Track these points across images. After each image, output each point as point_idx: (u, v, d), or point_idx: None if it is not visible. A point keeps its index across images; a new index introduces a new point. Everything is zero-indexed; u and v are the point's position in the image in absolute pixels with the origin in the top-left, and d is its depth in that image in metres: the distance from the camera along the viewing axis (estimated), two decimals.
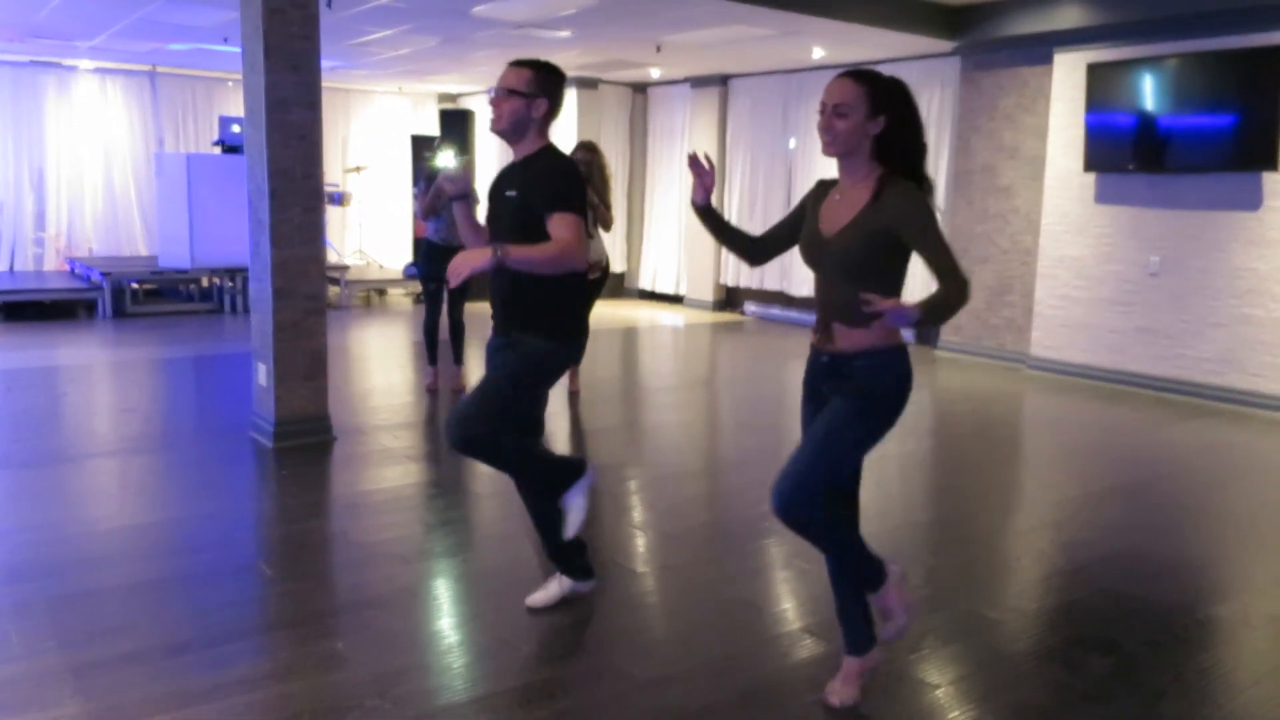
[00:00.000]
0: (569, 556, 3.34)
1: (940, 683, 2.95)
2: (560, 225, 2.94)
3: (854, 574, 2.72)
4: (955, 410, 7.07)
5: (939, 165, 9.19)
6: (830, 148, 2.54)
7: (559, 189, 3.01)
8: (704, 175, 2.81)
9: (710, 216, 2.88)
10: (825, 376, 2.64)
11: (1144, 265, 7.49)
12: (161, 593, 3.43)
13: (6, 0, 8.14)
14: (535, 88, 3.05)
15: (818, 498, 2.56)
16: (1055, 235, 7.99)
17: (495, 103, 3.07)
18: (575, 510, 3.18)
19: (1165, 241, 7.36)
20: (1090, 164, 7.60)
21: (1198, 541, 4.38)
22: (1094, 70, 7.48)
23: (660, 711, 2.74)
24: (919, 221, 2.47)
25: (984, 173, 8.63)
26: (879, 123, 2.49)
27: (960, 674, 3.02)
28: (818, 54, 9.45)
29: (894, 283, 2.57)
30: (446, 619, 3.36)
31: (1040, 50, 8.00)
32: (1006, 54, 8.32)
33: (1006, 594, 3.74)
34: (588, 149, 6.48)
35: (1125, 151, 7.41)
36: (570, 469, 3.23)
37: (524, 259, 2.90)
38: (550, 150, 3.12)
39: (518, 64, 3.09)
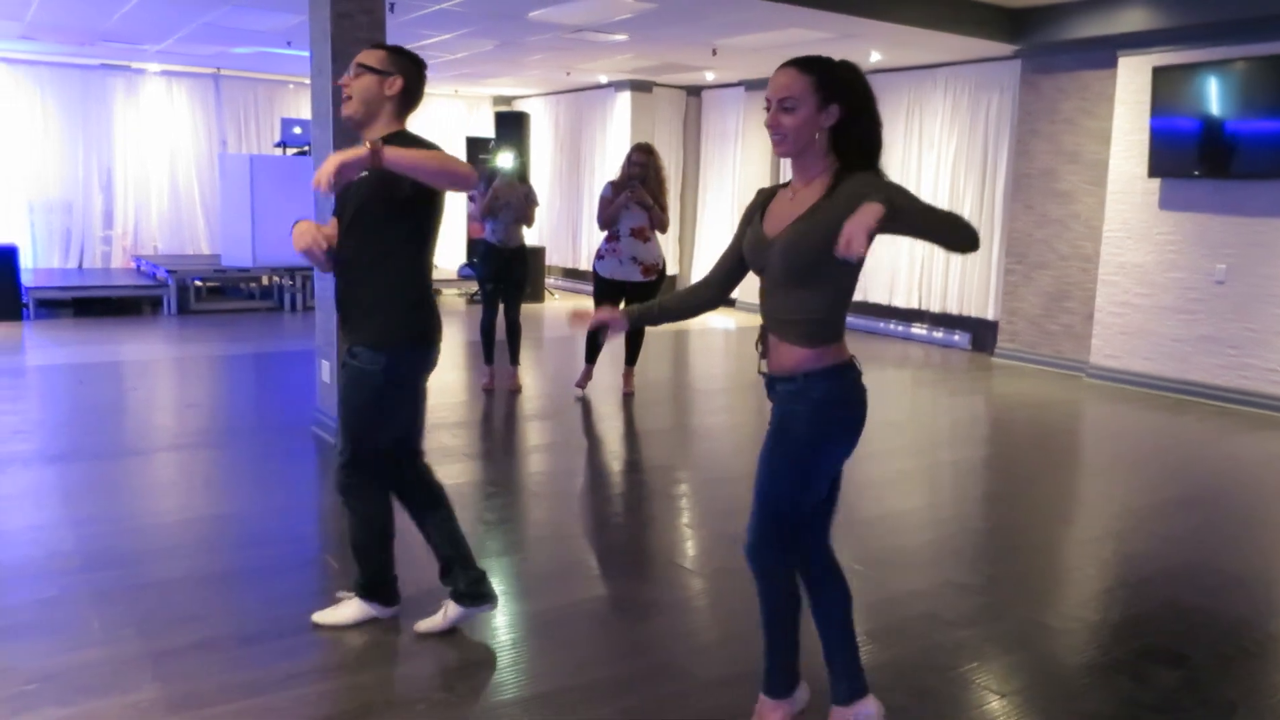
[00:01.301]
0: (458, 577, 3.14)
1: (1004, 691, 2.93)
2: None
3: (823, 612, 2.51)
4: (1012, 418, 6.99)
5: (997, 169, 9.09)
6: (780, 146, 2.27)
7: (410, 138, 2.79)
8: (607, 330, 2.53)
9: (653, 319, 2.67)
10: (770, 394, 2.41)
11: (1209, 273, 7.34)
12: (232, 584, 3.51)
13: (81, 6, 8.38)
14: (389, 65, 2.84)
15: (781, 543, 2.39)
16: (1117, 241, 7.87)
17: (345, 82, 2.85)
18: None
19: (1231, 249, 7.21)
20: (1155, 169, 7.47)
21: (1265, 555, 4.30)
22: (1159, 74, 7.35)
23: (723, 712, 2.76)
24: (889, 191, 2.17)
25: (1043, 177, 8.52)
26: (832, 114, 2.23)
27: (1023, 683, 3.00)
28: (874, 57, 9.40)
29: (842, 290, 2.31)
30: (509, 615, 3.40)
31: (1103, 53, 7.89)
32: (1068, 57, 8.21)
33: (1069, 604, 3.70)
34: (644, 151, 6.52)
35: (1191, 157, 7.28)
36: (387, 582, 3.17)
37: (401, 160, 2.61)
38: (408, 132, 2.86)
39: (374, 46, 2.92)
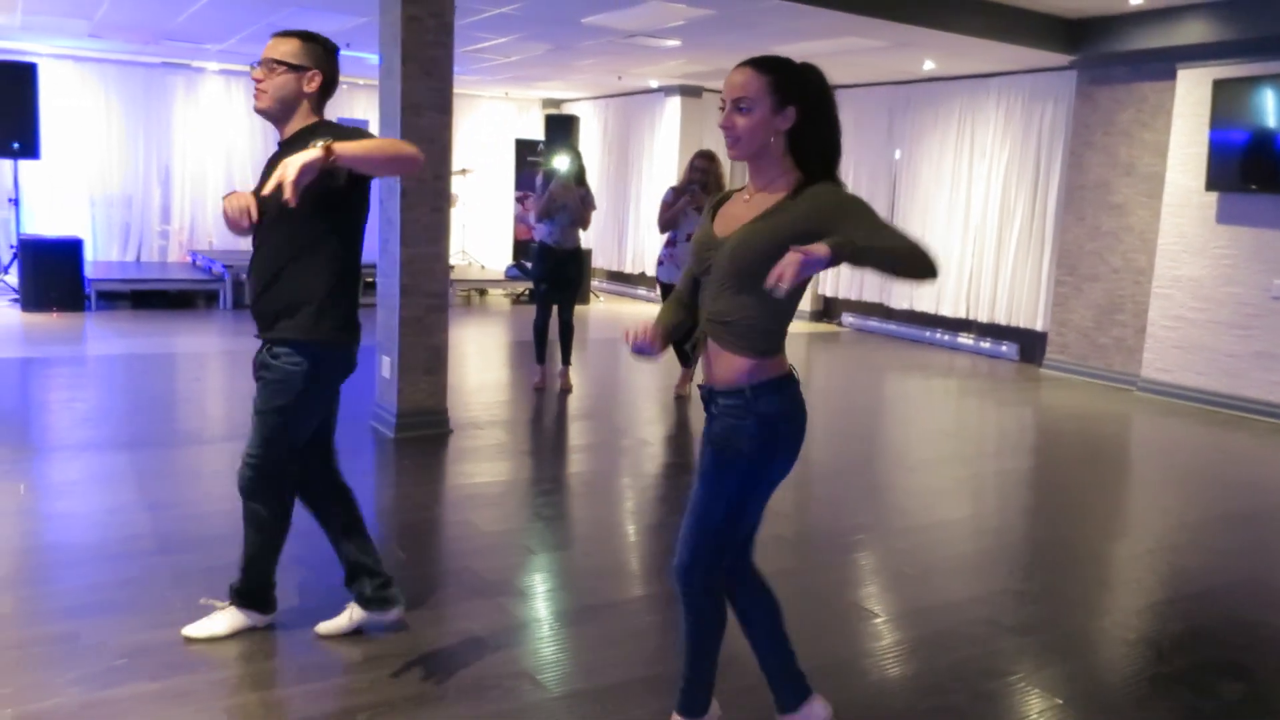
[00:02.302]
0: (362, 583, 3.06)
1: (1066, 696, 2.96)
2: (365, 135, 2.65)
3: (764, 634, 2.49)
4: (1062, 430, 6.97)
5: (1049, 180, 9.06)
6: (733, 149, 2.18)
7: (343, 130, 2.71)
8: (640, 346, 2.31)
9: (669, 342, 2.41)
10: (707, 408, 2.29)
11: (1266, 288, 7.27)
12: (303, 569, 3.61)
13: (150, 5, 8.59)
14: (306, 59, 2.72)
15: (715, 562, 2.31)
16: (1172, 255, 7.81)
17: (258, 78, 2.71)
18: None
19: None
20: (1212, 183, 7.41)
21: None
22: (1220, 86, 7.30)
23: (759, 715, 2.80)
24: (853, 206, 2.10)
25: (1097, 189, 8.47)
26: (788, 116, 2.14)
27: (1083, 689, 3.02)
28: (928, 66, 9.39)
29: (790, 300, 2.16)
30: (573, 609, 3.47)
31: (1162, 65, 7.84)
32: (1126, 68, 8.16)
33: (1126, 615, 3.70)
34: (706, 157, 6.61)
35: (1249, 171, 7.21)
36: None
37: (355, 155, 2.53)
38: (328, 122, 2.79)
39: (284, 34, 2.75)
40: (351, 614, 3.07)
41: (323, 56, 2.77)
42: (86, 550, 3.69)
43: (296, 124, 2.76)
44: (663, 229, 6.69)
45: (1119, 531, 4.77)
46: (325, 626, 3.07)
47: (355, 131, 2.74)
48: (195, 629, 2.99)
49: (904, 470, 5.72)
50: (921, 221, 10.29)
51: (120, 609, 3.17)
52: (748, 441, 2.20)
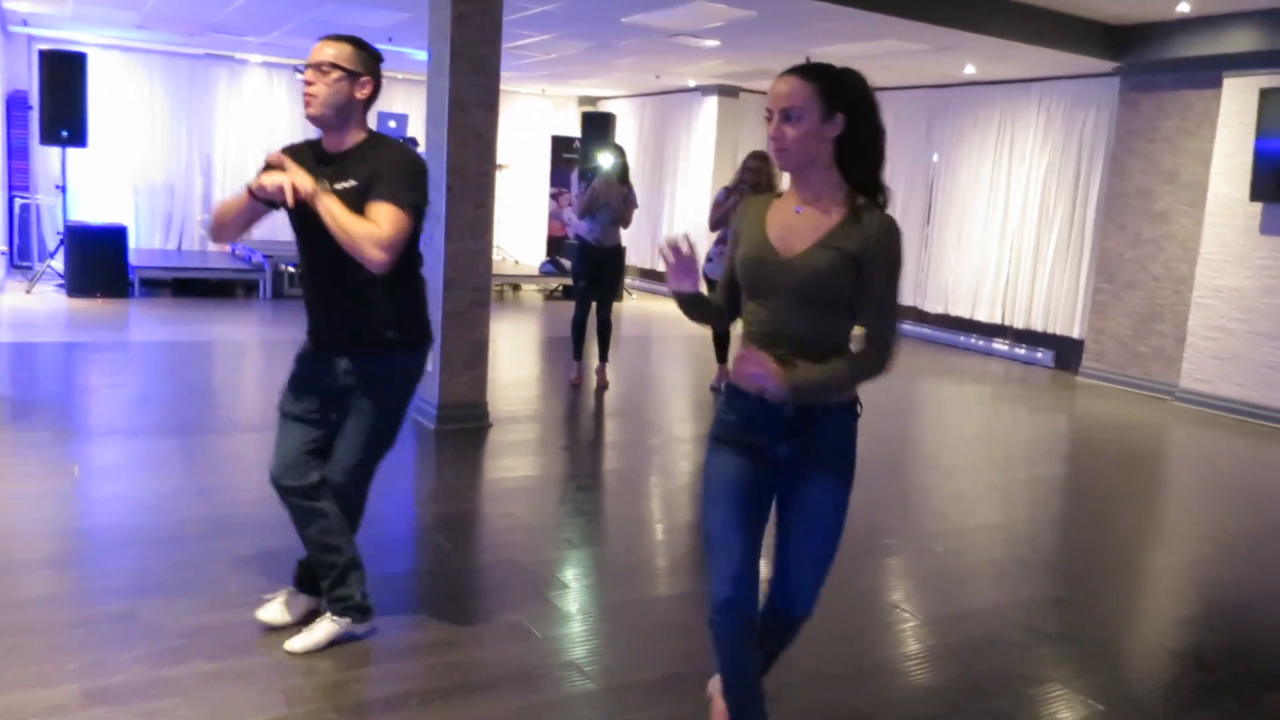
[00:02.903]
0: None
1: (1108, 703, 2.97)
2: (384, 214, 2.60)
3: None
4: (1098, 438, 6.94)
5: (1090, 186, 9.00)
6: (783, 159, 2.13)
7: (408, 182, 2.66)
8: (683, 264, 2.22)
9: (697, 302, 2.35)
10: (783, 433, 2.19)
11: None
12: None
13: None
14: (360, 65, 2.70)
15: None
16: (1214, 264, 7.75)
17: (312, 80, 2.65)
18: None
19: None
20: (1257, 193, 7.34)
21: None
22: (1267, 95, 7.23)
23: (831, 708, 2.84)
24: (892, 259, 2.12)
25: (1139, 196, 8.42)
26: (836, 123, 2.09)
27: (1126, 697, 3.03)
28: (969, 70, 9.36)
29: (852, 319, 2.20)
30: (616, 602, 3.51)
31: (1208, 73, 7.77)
32: (1171, 76, 8.10)
33: (1168, 624, 3.70)
34: (759, 157, 6.64)
35: None
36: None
37: (327, 216, 2.55)
38: (391, 141, 2.79)
39: (336, 39, 2.70)
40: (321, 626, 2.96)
41: (373, 65, 2.75)
42: (140, 533, 3.78)
43: (353, 134, 2.73)
44: (713, 227, 6.76)
45: (1156, 541, 4.76)
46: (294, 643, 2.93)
47: (393, 144, 2.76)
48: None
49: (938, 475, 5.72)
50: (958, 226, 10.26)
51: (176, 591, 3.25)
52: (850, 464, 2.26)
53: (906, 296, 10.83)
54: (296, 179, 2.55)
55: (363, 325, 2.80)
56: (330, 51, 2.67)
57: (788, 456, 2.20)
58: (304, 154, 2.79)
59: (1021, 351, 9.64)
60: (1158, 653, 3.40)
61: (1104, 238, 8.70)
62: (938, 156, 10.56)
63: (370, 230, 2.59)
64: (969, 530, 4.60)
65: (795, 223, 2.16)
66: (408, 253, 2.75)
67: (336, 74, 2.65)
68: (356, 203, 2.63)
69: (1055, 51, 8.07)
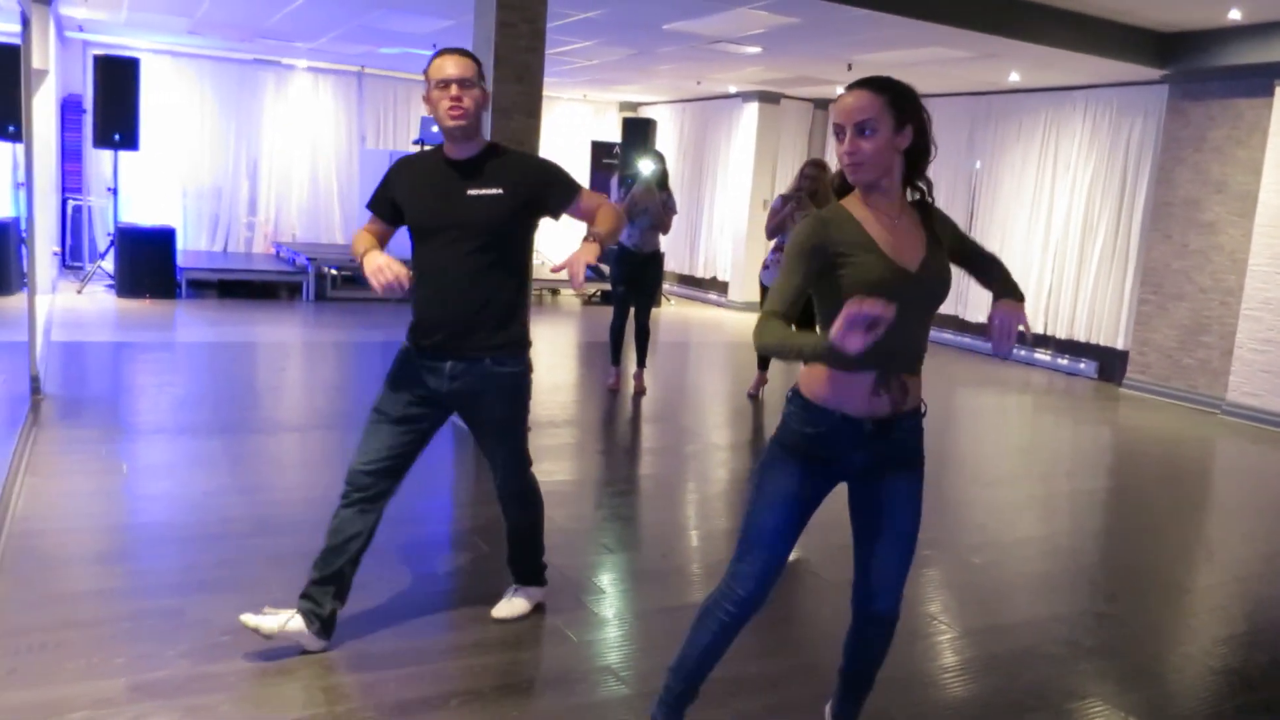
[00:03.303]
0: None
1: None
2: (594, 196, 2.96)
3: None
4: (1142, 451, 6.84)
5: (1136, 196, 8.88)
6: (859, 172, 2.13)
7: (565, 174, 2.98)
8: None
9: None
10: (862, 443, 2.20)
11: None
12: (394, 557, 3.73)
13: (247, 4, 8.88)
14: (482, 76, 2.92)
15: None
16: (1264, 276, 7.61)
17: (460, 95, 2.78)
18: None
19: None
20: None
21: None
22: None
23: (865, 714, 2.83)
24: (957, 226, 2.35)
25: (1186, 206, 8.29)
26: (906, 135, 2.12)
27: (1164, 716, 2.98)
28: (1013, 77, 9.28)
29: None
30: (652, 608, 3.53)
31: (1260, 81, 7.64)
32: (1220, 84, 7.98)
33: (1213, 641, 3.64)
34: (816, 165, 6.65)
35: None
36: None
37: (610, 238, 2.87)
38: (497, 145, 2.98)
39: (462, 54, 2.87)
40: (513, 598, 3.29)
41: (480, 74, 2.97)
42: (186, 530, 3.86)
43: (477, 144, 2.91)
44: (770, 235, 6.78)
45: (1201, 558, 4.68)
46: (499, 610, 3.26)
47: (546, 175, 2.98)
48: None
49: (978, 486, 5.67)
50: (1000, 234, 10.17)
51: (221, 588, 3.31)
52: (923, 450, 2.34)
53: (948, 306, 10.75)
54: (582, 263, 2.72)
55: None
56: (469, 66, 2.85)
57: (864, 463, 2.24)
58: (431, 163, 2.96)
59: (1064, 362, 9.53)
60: (1202, 671, 3.35)
61: (1150, 248, 8.58)
62: (980, 164, 10.48)
63: (612, 208, 2.97)
64: (1009, 543, 4.56)
65: (897, 235, 2.16)
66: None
67: (478, 89, 2.84)
68: (506, 210, 2.86)
69: (1102, 59, 7.98)
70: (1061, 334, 9.55)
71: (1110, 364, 9.12)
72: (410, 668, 2.90)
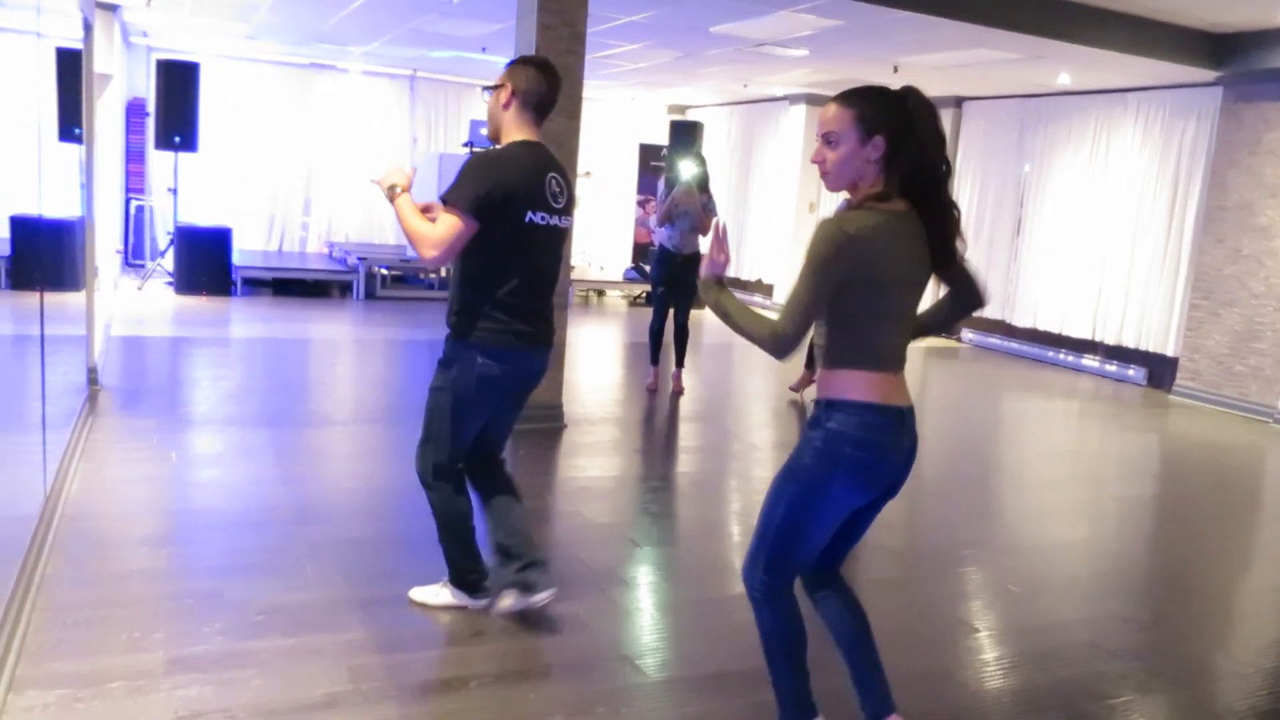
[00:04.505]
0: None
1: None
2: (440, 216, 2.91)
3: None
4: (1188, 459, 6.73)
5: (1188, 200, 8.73)
6: (827, 180, 2.25)
7: (454, 179, 2.93)
8: None
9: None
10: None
11: None
12: (425, 547, 3.80)
13: (305, 11, 9.11)
14: (503, 78, 3.03)
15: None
16: None
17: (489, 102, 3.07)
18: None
19: None
20: None
21: None
22: None
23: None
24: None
25: (1239, 210, 8.13)
26: (876, 145, 2.17)
27: (1185, 718, 2.98)
28: (1063, 79, 9.17)
29: None
30: (674, 601, 3.59)
31: None
32: (1276, 86, 7.81)
33: (1242, 648, 3.60)
34: None
35: None
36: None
37: (401, 215, 2.92)
38: (503, 146, 3.04)
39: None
40: (440, 590, 3.28)
41: (515, 74, 3.04)
42: (230, 516, 4.00)
43: (508, 140, 3.07)
44: None
45: (1242, 565, 4.61)
46: (416, 592, 3.30)
47: (511, 152, 3.00)
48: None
49: (1017, 490, 5.64)
50: (1049, 238, 10.05)
51: (259, 571, 3.44)
52: None
53: (994, 310, 10.65)
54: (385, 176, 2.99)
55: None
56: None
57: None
58: None
59: (1112, 368, 9.39)
60: (1229, 676, 3.31)
61: (1201, 252, 8.43)
62: (1029, 167, 10.36)
63: (426, 227, 2.94)
64: (1043, 546, 4.53)
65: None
66: None
67: (494, 89, 3.04)
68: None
69: (1154, 61, 7.86)
70: (1110, 340, 9.41)
71: (1160, 371, 8.97)
72: (433, 651, 3.00)
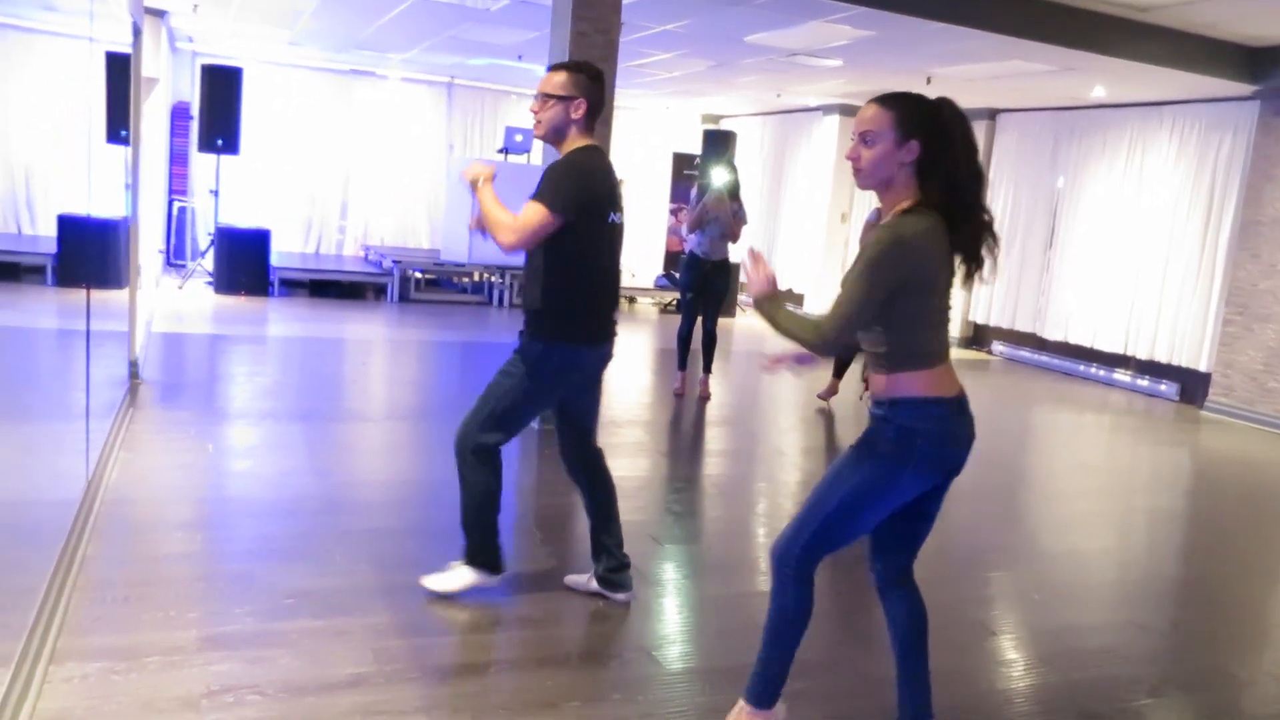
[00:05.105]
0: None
1: None
2: (525, 208, 3.03)
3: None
4: (1219, 474, 6.68)
5: (1223, 214, 8.66)
6: (858, 179, 2.32)
7: (543, 182, 3.05)
8: None
9: None
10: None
11: None
12: (451, 538, 3.89)
13: (346, 18, 9.30)
14: (572, 89, 3.10)
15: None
16: None
17: (535, 110, 3.14)
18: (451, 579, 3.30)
19: None
20: None
21: None
22: None
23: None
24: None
25: (1275, 225, 8.06)
26: (911, 149, 2.24)
27: None
28: (1098, 92, 9.14)
29: None
30: (693, 597, 3.65)
31: None
32: None
33: (1260, 658, 3.60)
34: None
35: None
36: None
37: (484, 202, 3.08)
38: (574, 151, 3.13)
39: (554, 68, 3.16)
40: (460, 571, 3.32)
41: (586, 84, 3.14)
42: (262, 504, 4.12)
43: (567, 146, 3.16)
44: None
45: (1266, 578, 4.59)
46: (431, 580, 3.32)
47: (577, 163, 3.12)
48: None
49: (1045, 500, 5.64)
50: (1081, 251, 10.00)
51: (289, 557, 3.55)
52: None
53: (1025, 323, 10.61)
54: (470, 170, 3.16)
55: None
56: (546, 83, 3.13)
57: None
58: None
59: (1144, 383, 9.32)
60: (1245, 684, 3.31)
61: (1236, 267, 8.36)
62: (1063, 180, 10.32)
63: (507, 216, 3.10)
64: (1067, 554, 4.54)
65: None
66: None
67: (551, 102, 3.11)
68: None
69: (1190, 74, 7.83)
70: (1142, 354, 9.35)
71: (1192, 386, 8.90)
72: (456, 636, 3.08)
